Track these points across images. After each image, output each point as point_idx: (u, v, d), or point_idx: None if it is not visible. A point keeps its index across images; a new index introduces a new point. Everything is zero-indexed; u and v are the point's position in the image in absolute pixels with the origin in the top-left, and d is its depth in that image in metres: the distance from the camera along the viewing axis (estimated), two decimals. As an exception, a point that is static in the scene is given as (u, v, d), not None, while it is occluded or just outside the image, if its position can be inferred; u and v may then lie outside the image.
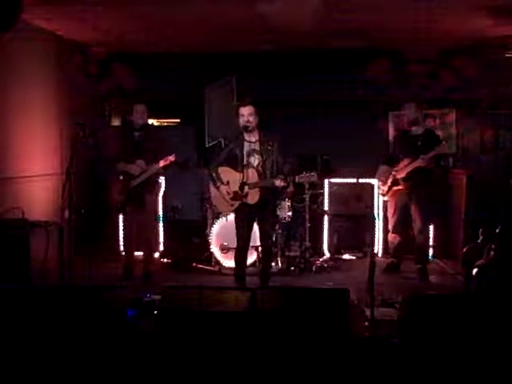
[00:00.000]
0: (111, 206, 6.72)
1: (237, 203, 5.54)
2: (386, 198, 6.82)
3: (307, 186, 6.94)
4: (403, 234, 6.71)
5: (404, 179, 6.47)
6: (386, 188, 6.66)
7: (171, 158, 6.26)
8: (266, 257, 5.74)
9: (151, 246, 6.75)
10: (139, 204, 6.35)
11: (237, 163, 5.50)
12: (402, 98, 7.17)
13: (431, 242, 7.39)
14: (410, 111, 6.56)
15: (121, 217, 7.23)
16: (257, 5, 5.80)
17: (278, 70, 8.17)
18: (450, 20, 6.58)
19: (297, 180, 5.52)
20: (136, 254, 6.67)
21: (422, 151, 6.32)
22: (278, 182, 5.40)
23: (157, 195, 6.81)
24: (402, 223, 6.65)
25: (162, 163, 6.25)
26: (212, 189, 5.72)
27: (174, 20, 6.64)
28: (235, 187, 5.50)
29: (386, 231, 7.30)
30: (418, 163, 6.33)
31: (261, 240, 5.69)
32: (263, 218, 5.58)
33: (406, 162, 6.43)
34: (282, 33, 7.11)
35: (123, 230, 6.99)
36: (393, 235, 6.79)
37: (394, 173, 6.54)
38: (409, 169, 6.40)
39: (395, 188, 6.57)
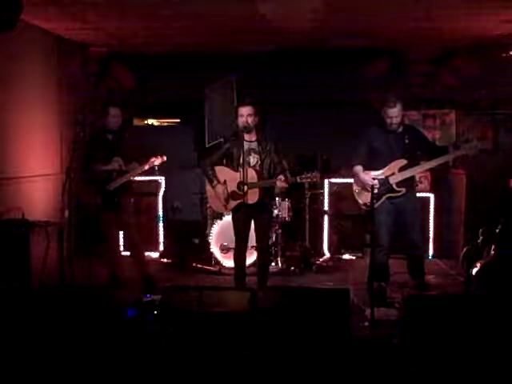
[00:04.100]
0: (85, 212, 6.21)
1: (234, 203, 5.50)
2: (374, 206, 5.23)
3: (307, 185, 6.92)
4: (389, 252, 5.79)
5: (398, 184, 5.61)
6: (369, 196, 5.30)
7: (156, 160, 5.94)
8: (263, 257, 5.71)
9: (139, 247, 6.32)
10: (115, 207, 5.99)
11: (233, 162, 5.48)
12: (402, 97, 7.14)
13: (431, 243, 7.42)
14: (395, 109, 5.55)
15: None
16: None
17: (278, 69, 8.16)
18: (450, 20, 6.58)
19: (298, 180, 5.45)
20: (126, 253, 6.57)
21: (411, 151, 5.60)
22: (280, 183, 5.38)
23: (131, 195, 6.25)
24: (390, 237, 5.72)
25: (146, 165, 5.93)
26: (208, 188, 5.66)
27: (174, 20, 6.63)
28: (233, 186, 5.48)
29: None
30: (430, 165, 5.66)
31: (257, 240, 5.64)
32: (260, 217, 5.56)
33: (398, 163, 5.59)
34: (282, 33, 7.11)
35: (102, 235, 6.22)
36: (383, 255, 5.70)
37: (383, 177, 5.61)
38: (427, 167, 5.70)
39: (389, 195, 5.64)
